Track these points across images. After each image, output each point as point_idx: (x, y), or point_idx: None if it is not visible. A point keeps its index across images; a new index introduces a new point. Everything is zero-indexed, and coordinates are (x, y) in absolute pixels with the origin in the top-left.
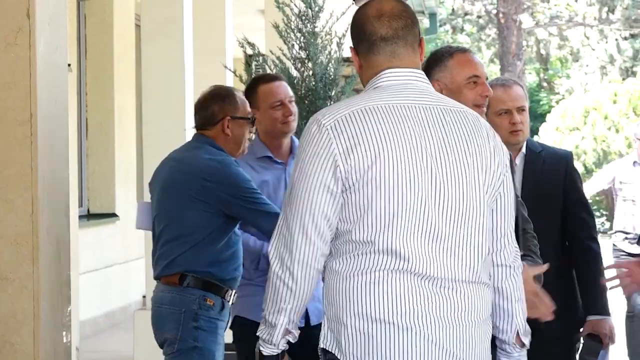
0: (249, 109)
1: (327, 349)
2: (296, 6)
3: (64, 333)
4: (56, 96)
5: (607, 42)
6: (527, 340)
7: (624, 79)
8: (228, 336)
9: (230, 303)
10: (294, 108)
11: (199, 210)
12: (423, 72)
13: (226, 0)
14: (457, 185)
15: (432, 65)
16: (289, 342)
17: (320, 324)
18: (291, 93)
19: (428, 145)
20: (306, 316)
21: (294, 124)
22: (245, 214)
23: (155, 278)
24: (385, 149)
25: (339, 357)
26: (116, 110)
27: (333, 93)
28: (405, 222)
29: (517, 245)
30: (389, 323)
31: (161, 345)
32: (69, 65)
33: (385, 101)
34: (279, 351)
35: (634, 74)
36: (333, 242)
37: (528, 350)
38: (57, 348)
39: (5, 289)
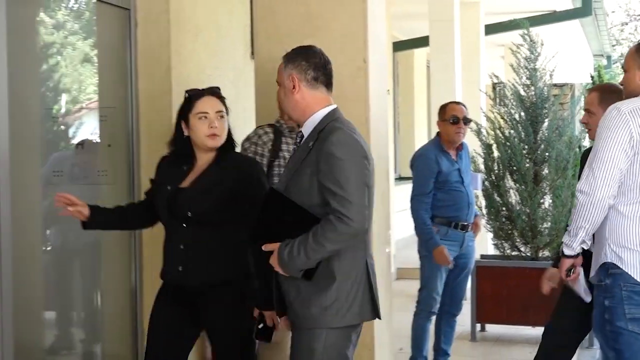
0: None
1: (612, 262)
2: (523, 53)
3: (386, 247)
4: (380, 108)
5: None
6: None
7: None
8: None
9: None
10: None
11: None
12: None
13: (481, 51)
14: None
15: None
16: None
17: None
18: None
19: None
20: None
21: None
22: None
23: None
24: None
25: (620, 265)
26: (415, 118)
27: (546, 105)
28: None
29: None
30: None
31: None
32: (388, 90)
33: None
34: (575, 253)
35: None
36: (618, 191)
37: None
38: (382, 256)
39: None
